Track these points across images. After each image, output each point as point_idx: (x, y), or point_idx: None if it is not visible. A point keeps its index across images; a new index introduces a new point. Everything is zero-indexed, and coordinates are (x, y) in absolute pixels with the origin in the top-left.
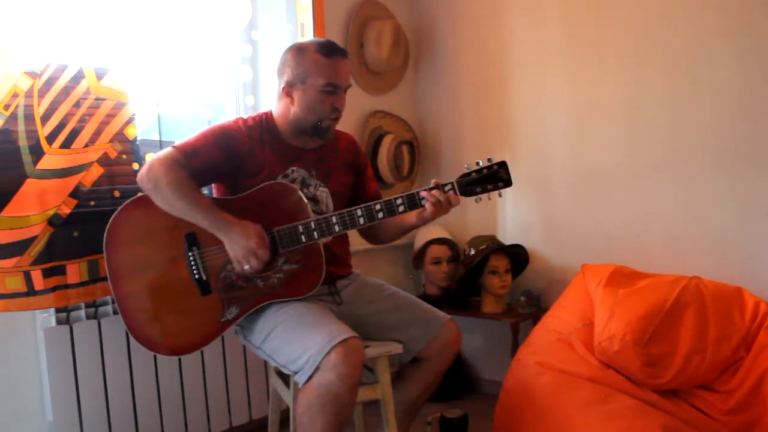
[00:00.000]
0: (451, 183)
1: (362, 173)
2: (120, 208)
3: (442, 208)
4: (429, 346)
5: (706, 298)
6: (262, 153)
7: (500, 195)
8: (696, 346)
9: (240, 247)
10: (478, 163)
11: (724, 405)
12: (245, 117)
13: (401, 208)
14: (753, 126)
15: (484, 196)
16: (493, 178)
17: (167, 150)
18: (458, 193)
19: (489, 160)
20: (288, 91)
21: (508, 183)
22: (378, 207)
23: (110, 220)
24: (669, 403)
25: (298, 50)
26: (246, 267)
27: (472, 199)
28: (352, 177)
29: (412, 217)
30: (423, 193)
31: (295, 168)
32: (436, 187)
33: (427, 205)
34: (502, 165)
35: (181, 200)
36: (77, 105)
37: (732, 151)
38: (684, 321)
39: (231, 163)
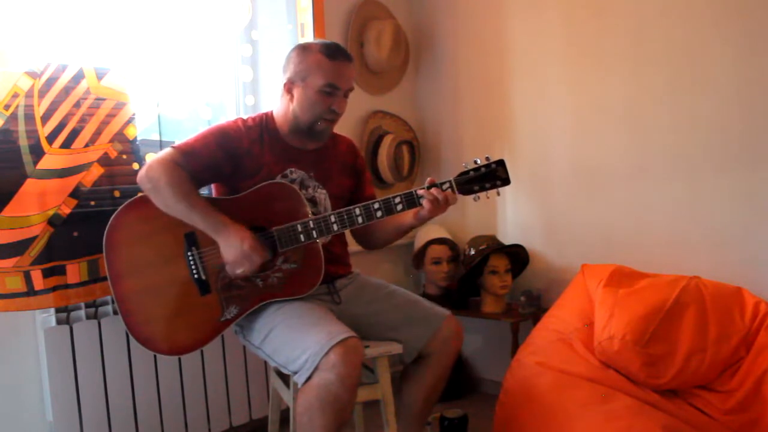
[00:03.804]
0: (449, 181)
1: (360, 176)
2: (119, 209)
3: (439, 206)
4: (430, 343)
5: (706, 298)
6: (261, 153)
7: (498, 194)
8: (696, 346)
9: (234, 249)
10: (476, 162)
11: (724, 405)
12: (245, 117)
13: (399, 207)
14: (753, 126)
15: (482, 194)
16: (492, 176)
17: (166, 151)
18: (456, 192)
19: (487, 158)
20: (289, 87)
21: (506, 182)
22: (376, 206)
23: (110, 221)
24: (669, 403)
25: (303, 49)
26: (239, 271)
27: (470, 198)
28: (352, 180)
29: (409, 217)
30: (421, 192)
31: (293, 169)
32: (434, 185)
33: (425, 203)
34: (500, 163)
35: (180, 202)
36: (77, 105)
37: (732, 150)
38: (684, 321)
39: (230, 164)
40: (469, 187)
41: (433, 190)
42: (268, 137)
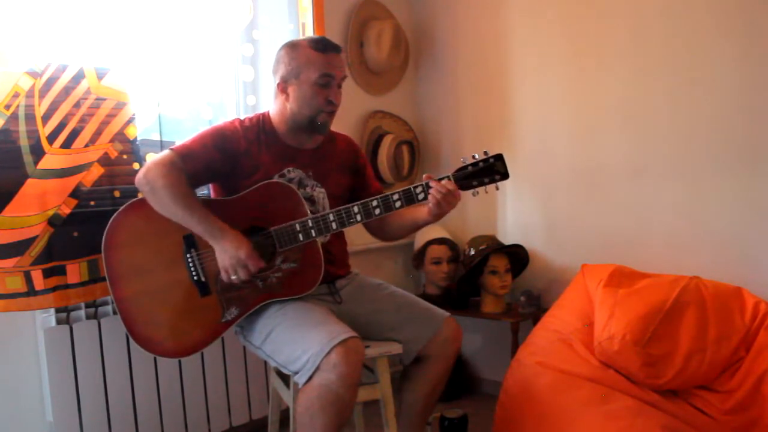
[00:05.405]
0: (447, 176)
1: (363, 174)
2: (118, 210)
3: (446, 200)
4: (430, 344)
5: (706, 298)
6: (259, 153)
7: (497, 188)
8: (696, 346)
9: (229, 256)
10: (474, 157)
11: (724, 405)
12: (242, 118)
13: (398, 204)
14: (753, 126)
15: (481, 189)
16: (490, 171)
17: (164, 153)
18: None
19: (485, 153)
20: (283, 87)
21: (505, 176)
22: (375, 203)
23: (109, 223)
24: (669, 403)
25: (292, 46)
26: (233, 277)
27: (470, 197)
28: (350, 179)
29: (424, 213)
30: (432, 183)
31: (291, 168)
32: (433, 180)
33: (430, 198)
34: (499, 158)
35: (177, 205)
36: (78, 105)
37: (732, 150)
38: (684, 321)
39: (227, 164)
40: (468, 182)
41: (445, 182)
42: (266, 137)
